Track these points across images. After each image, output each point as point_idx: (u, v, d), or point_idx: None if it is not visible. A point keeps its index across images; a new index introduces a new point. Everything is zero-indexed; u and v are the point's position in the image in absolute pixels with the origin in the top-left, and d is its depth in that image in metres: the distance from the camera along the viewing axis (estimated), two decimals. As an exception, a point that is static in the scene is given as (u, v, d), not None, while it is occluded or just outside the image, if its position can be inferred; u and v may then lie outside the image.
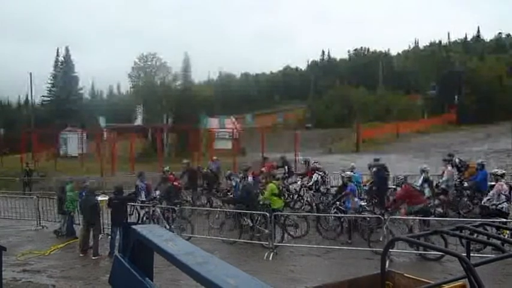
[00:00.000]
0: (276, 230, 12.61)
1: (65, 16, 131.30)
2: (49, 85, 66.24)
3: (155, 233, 2.38)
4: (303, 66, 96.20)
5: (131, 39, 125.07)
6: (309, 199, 16.74)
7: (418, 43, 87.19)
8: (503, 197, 11.86)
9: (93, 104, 70.41)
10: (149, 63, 55.68)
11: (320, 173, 16.74)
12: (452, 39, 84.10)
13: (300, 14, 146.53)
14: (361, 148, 39.06)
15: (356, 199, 13.68)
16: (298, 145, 31.62)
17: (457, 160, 16.64)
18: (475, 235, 4.33)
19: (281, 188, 15.23)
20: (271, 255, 11.73)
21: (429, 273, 6.64)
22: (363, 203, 14.18)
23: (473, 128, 44.77)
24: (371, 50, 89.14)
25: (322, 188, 16.27)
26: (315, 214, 14.48)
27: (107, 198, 13.64)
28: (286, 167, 19.92)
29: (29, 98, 56.57)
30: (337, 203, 13.89)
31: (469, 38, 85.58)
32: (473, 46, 79.73)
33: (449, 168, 15.31)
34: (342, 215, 13.43)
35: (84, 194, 14.12)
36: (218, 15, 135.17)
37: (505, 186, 12.24)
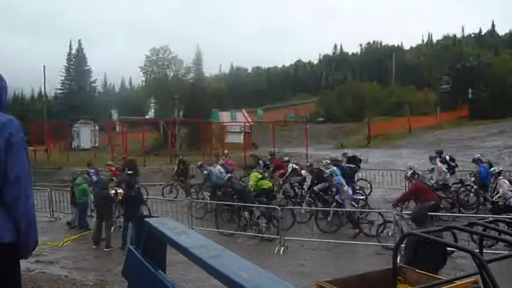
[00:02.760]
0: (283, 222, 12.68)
1: (77, 10, 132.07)
2: (62, 78, 66.73)
3: (168, 225, 2.40)
4: (315, 60, 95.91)
5: (143, 32, 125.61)
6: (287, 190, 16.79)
7: (431, 37, 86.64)
8: (509, 193, 11.81)
9: (105, 97, 70.90)
10: (161, 56, 55.80)
11: (294, 165, 17.51)
12: (467, 33, 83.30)
13: (312, 7, 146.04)
14: (373, 143, 38.89)
15: (346, 188, 13.74)
16: (309, 139, 31.54)
17: (447, 157, 16.69)
18: (488, 231, 4.31)
19: (264, 174, 15.59)
20: (282, 249, 11.76)
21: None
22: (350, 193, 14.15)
23: (486, 123, 44.29)
24: (383, 44, 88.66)
25: (293, 180, 16.71)
26: (316, 209, 14.34)
27: (120, 190, 13.73)
28: (261, 162, 19.74)
29: (42, 90, 57.13)
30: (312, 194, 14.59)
31: (484, 32, 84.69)
32: (487, 40, 78.80)
33: (439, 164, 15.27)
34: (341, 209, 13.50)
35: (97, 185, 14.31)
36: (230, 9, 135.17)
37: (507, 183, 12.21)
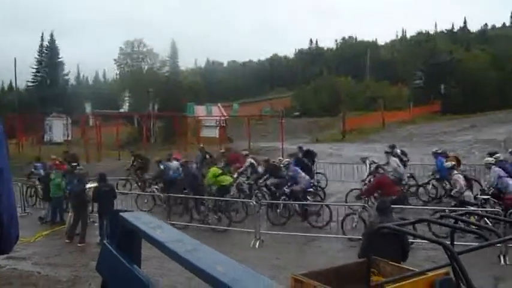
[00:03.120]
0: (259, 221, 12.78)
1: (50, 2, 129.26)
2: (33, 70, 65.30)
3: (143, 220, 2.37)
4: (290, 55, 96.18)
5: (118, 25, 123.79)
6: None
7: (405, 33, 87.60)
8: (465, 188, 12.09)
9: (78, 90, 69.65)
10: (136, 49, 55.19)
11: (252, 160, 17.46)
12: (439, 29, 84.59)
13: (289, 2, 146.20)
14: (348, 137, 39.28)
15: (302, 174, 14.18)
16: (285, 133, 31.63)
17: (399, 151, 17.10)
18: (458, 223, 4.41)
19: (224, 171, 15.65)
20: (258, 243, 11.81)
21: (412, 260, 6.75)
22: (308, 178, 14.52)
23: (458, 118, 45.23)
24: (358, 39, 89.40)
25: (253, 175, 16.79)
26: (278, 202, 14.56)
27: (94, 185, 13.56)
28: (208, 156, 19.82)
29: (13, 83, 55.83)
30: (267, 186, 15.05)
31: (456, 28, 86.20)
32: (459, 37, 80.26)
33: (392, 158, 15.48)
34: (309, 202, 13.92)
35: (73, 181, 14.08)
36: (206, 2, 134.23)
37: (461, 177, 12.42)
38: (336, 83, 61.60)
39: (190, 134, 36.20)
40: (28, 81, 65.74)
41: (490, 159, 13.14)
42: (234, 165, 17.57)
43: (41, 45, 65.67)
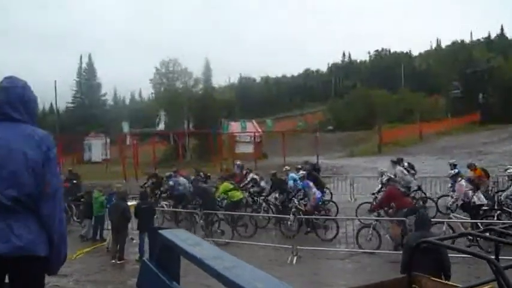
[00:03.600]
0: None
1: (87, 24, 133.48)
2: (73, 92, 67.41)
3: (181, 237, 2.40)
4: (323, 69, 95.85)
5: (152, 45, 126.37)
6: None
7: (440, 43, 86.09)
8: (470, 192, 12.47)
9: (115, 110, 71.43)
10: (170, 68, 56.16)
11: (254, 175, 17.84)
12: (475, 38, 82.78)
13: (320, 16, 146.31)
14: (384, 150, 38.69)
15: (314, 189, 14.25)
16: (319, 148, 31.46)
17: (406, 164, 17.35)
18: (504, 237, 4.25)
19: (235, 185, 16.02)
20: (295, 258, 11.70)
21: (455, 275, 6.54)
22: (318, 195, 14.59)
23: (497, 128, 43.92)
24: (392, 51, 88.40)
25: (254, 189, 17.06)
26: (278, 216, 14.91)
27: (134, 203, 13.82)
28: (202, 174, 19.75)
29: (53, 105, 57.70)
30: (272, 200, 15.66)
31: (493, 36, 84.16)
32: (496, 45, 78.27)
33: (398, 167, 15.88)
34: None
35: (112, 199, 14.38)
36: (238, 19, 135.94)
37: (464, 184, 12.77)
38: (370, 95, 60.93)
39: (225, 150, 36.41)
40: (68, 102, 67.95)
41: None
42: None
43: (80, 67, 67.91)
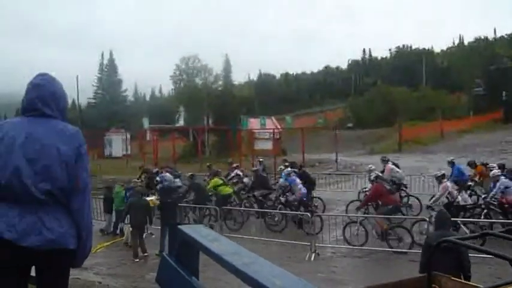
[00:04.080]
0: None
1: (108, 21, 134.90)
2: (95, 88, 68.24)
3: (201, 233, 2.42)
4: (343, 66, 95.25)
5: (173, 42, 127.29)
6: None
7: (462, 39, 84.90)
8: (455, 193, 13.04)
9: (136, 106, 72.11)
10: (191, 65, 56.43)
11: (239, 171, 18.73)
12: (499, 34, 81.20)
13: (341, 12, 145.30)
14: (404, 148, 38.31)
15: (299, 186, 14.87)
16: (339, 145, 31.31)
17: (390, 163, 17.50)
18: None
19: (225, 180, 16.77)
20: (313, 256, 11.68)
21: (476, 276, 6.45)
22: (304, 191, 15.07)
23: (521, 126, 43.11)
24: (413, 47, 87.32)
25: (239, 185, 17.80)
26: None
27: (152, 198, 13.94)
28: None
29: (75, 101, 58.48)
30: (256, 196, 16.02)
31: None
32: (521, 41, 76.66)
33: (388, 164, 16.39)
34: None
35: (130, 193, 14.50)
36: (258, 16, 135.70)
37: (449, 184, 13.21)
38: (391, 92, 60.31)
39: (244, 146, 36.46)
40: (89, 98, 68.81)
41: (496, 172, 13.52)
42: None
43: (101, 64, 68.67)
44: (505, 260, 3.06)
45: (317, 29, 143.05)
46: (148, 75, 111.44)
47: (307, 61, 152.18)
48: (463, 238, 4.25)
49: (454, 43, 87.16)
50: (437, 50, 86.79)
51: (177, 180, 17.05)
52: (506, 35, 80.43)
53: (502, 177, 12.84)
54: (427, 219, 11.64)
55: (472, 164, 16.89)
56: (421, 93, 61.89)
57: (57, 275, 2.59)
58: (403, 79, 67.96)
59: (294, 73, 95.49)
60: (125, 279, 10.51)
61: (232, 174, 18.21)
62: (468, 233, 11.32)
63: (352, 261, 11.61)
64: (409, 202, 15.65)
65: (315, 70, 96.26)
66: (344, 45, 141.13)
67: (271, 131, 38.53)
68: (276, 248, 12.81)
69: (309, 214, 13.51)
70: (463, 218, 12.31)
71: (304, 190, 15.00)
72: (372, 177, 13.83)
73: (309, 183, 16.61)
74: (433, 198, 13.33)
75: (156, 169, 18.84)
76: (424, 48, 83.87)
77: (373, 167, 15.93)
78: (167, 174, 17.39)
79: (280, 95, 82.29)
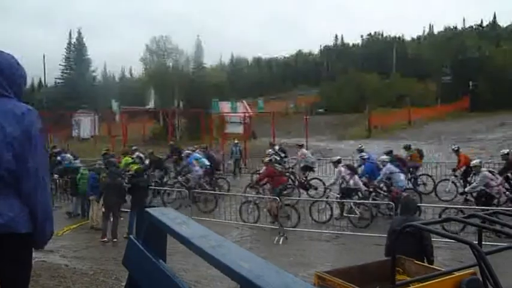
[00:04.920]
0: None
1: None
2: (62, 67, 66.50)
3: (168, 215, 2.40)
4: (315, 51, 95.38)
5: (143, 22, 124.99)
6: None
7: (432, 28, 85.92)
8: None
9: (105, 87, 70.66)
10: (161, 46, 55.51)
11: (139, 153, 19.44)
12: (468, 25, 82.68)
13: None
14: (373, 134, 38.86)
15: (196, 167, 16.32)
16: (309, 130, 31.49)
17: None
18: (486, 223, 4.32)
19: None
20: (281, 239, 11.81)
21: (438, 259, 6.65)
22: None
23: (487, 115, 44.25)
24: (385, 35, 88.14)
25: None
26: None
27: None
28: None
29: (42, 80, 57.00)
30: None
31: (485, 24, 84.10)
32: (489, 32, 78.26)
33: (303, 150, 19.47)
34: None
35: (94, 176, 14.22)
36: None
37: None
38: (362, 79, 60.88)
39: (215, 130, 36.34)
40: (56, 78, 67.07)
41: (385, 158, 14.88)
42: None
43: (69, 43, 66.85)
44: (466, 244, 3.15)
45: (290, 14, 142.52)
46: (119, 56, 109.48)
47: (280, 45, 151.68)
48: (426, 223, 4.37)
49: (424, 32, 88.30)
50: (407, 38, 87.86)
51: (77, 161, 18.12)
52: (475, 25, 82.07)
53: (389, 163, 14.20)
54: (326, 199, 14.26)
55: (407, 148, 18.32)
56: (391, 80, 62.69)
57: (12, 259, 2.48)
58: (374, 66, 68.59)
59: (267, 58, 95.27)
60: (92, 261, 10.40)
61: (134, 157, 18.37)
62: (358, 213, 12.99)
63: (320, 245, 11.79)
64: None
65: (287, 55, 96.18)
66: (317, 31, 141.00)
67: (242, 115, 38.53)
68: (244, 232, 12.91)
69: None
70: (356, 200, 13.72)
71: (200, 171, 16.32)
72: (265, 160, 15.22)
73: (215, 166, 18.39)
74: (331, 181, 14.86)
75: (58, 149, 21.47)
76: (395, 36, 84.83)
77: (271, 152, 18.57)
78: (67, 154, 19.15)
79: (253, 79, 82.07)
